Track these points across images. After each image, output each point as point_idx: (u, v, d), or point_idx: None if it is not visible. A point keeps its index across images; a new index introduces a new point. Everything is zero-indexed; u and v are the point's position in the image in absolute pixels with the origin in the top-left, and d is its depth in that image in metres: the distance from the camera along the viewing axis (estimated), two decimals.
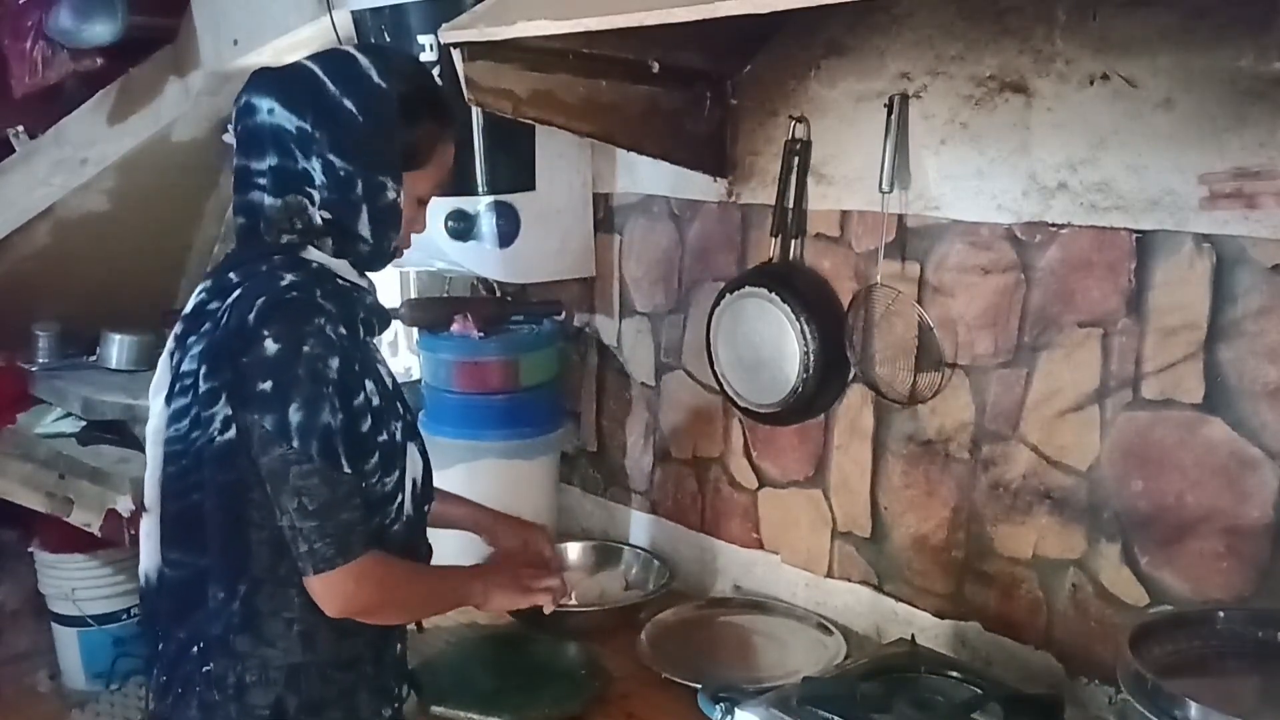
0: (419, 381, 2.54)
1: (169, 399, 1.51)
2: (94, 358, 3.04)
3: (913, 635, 1.80)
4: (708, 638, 2.04)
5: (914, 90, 1.79)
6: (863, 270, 1.91)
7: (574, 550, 2.37)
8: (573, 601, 1.68)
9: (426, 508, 1.63)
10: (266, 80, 1.50)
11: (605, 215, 2.38)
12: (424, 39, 2.10)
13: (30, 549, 3.02)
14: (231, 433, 1.44)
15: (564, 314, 2.48)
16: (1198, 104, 1.49)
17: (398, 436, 1.53)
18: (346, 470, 1.42)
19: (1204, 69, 1.48)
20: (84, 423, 2.78)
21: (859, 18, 1.83)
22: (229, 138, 1.56)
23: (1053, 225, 1.66)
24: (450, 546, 2.24)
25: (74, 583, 2.87)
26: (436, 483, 2.48)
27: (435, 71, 2.11)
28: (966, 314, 1.78)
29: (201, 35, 2.75)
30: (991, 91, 1.70)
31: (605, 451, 2.49)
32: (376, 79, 1.48)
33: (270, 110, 1.47)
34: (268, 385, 1.40)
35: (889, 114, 1.79)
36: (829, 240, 1.96)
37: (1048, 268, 1.67)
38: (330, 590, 1.44)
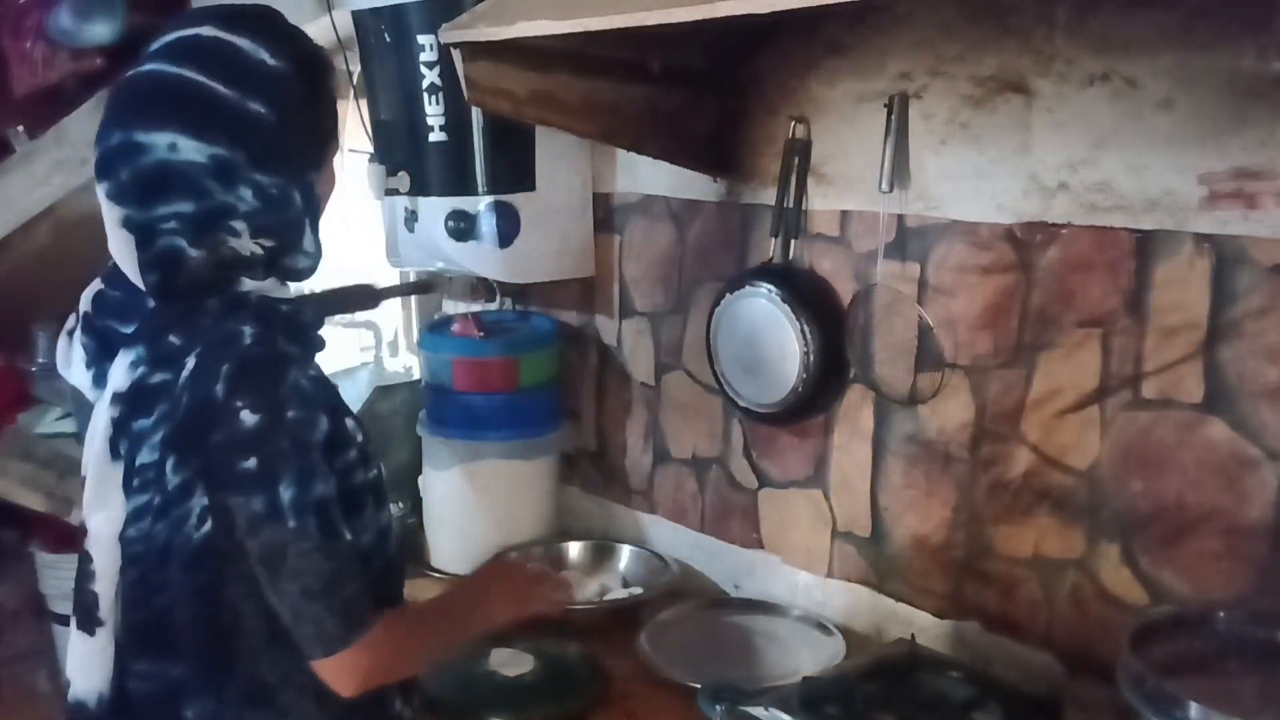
0: (419, 381, 2.55)
1: (128, 495, 1.31)
2: None
3: (913, 635, 1.80)
4: (708, 638, 2.03)
5: (914, 90, 1.79)
6: (863, 270, 1.90)
7: (574, 549, 2.36)
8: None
9: None
10: (147, 109, 1.28)
11: (605, 215, 2.38)
12: (424, 39, 2.10)
13: (30, 549, 3.02)
14: (208, 526, 1.28)
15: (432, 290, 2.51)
16: (1198, 104, 1.49)
17: (373, 460, 1.39)
18: (347, 537, 1.29)
19: (1204, 69, 1.48)
20: None
21: (859, 18, 1.83)
22: None
23: (1053, 225, 1.66)
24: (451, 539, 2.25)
25: (74, 583, 2.87)
26: (436, 484, 2.48)
27: (436, 71, 2.12)
28: (966, 314, 1.77)
29: None
30: (991, 91, 1.70)
31: (605, 451, 2.49)
32: (271, 62, 1.29)
33: (172, 146, 1.25)
34: (251, 463, 1.23)
35: (889, 114, 1.79)
36: (829, 240, 1.96)
37: (1048, 268, 1.67)
38: (344, 670, 1.30)
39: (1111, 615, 1.64)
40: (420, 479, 2.44)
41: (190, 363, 1.27)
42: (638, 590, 2.22)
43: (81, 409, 1.53)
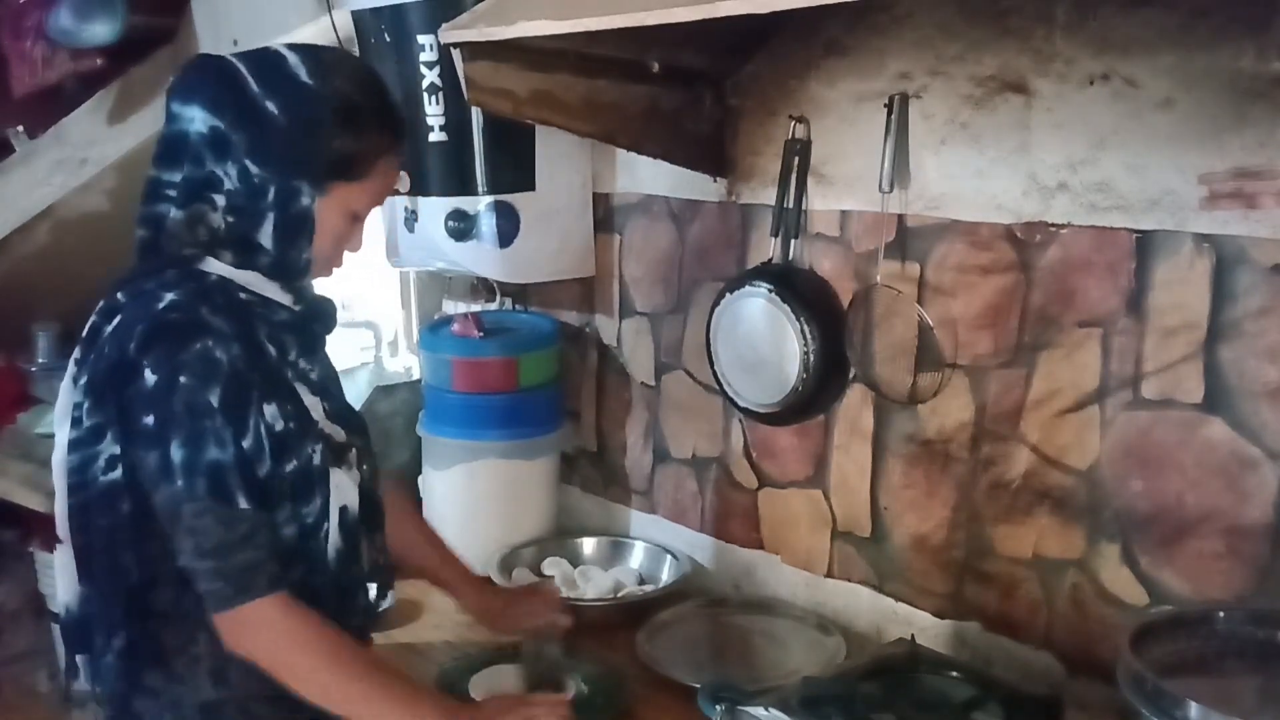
0: (419, 381, 2.55)
1: (70, 426, 1.42)
2: None
3: (913, 635, 1.80)
4: (708, 638, 2.04)
5: (914, 90, 1.79)
6: (863, 270, 1.90)
7: (588, 545, 2.37)
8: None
9: (376, 537, 1.55)
10: (190, 84, 1.42)
11: (605, 215, 2.38)
12: (424, 39, 2.10)
13: (30, 549, 3.03)
14: (118, 473, 1.38)
15: None
16: (1198, 104, 1.49)
17: (315, 461, 1.44)
18: (243, 506, 1.35)
19: (1204, 69, 1.48)
20: None
21: (859, 18, 1.83)
22: None
23: (1053, 225, 1.66)
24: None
25: None
26: (436, 484, 2.48)
27: (436, 71, 2.12)
28: (966, 314, 1.77)
29: (201, 35, 2.75)
30: (991, 91, 1.70)
31: (605, 451, 2.49)
32: (305, 78, 1.39)
33: (191, 119, 1.39)
34: (150, 420, 1.33)
35: (889, 114, 1.79)
36: (829, 240, 1.96)
37: (1048, 268, 1.67)
38: (229, 629, 1.37)
39: (1111, 615, 1.64)
40: (420, 479, 2.45)
41: (118, 318, 1.39)
42: (650, 587, 2.22)
43: None
